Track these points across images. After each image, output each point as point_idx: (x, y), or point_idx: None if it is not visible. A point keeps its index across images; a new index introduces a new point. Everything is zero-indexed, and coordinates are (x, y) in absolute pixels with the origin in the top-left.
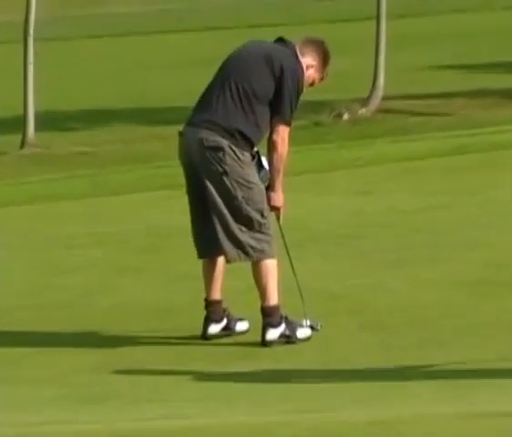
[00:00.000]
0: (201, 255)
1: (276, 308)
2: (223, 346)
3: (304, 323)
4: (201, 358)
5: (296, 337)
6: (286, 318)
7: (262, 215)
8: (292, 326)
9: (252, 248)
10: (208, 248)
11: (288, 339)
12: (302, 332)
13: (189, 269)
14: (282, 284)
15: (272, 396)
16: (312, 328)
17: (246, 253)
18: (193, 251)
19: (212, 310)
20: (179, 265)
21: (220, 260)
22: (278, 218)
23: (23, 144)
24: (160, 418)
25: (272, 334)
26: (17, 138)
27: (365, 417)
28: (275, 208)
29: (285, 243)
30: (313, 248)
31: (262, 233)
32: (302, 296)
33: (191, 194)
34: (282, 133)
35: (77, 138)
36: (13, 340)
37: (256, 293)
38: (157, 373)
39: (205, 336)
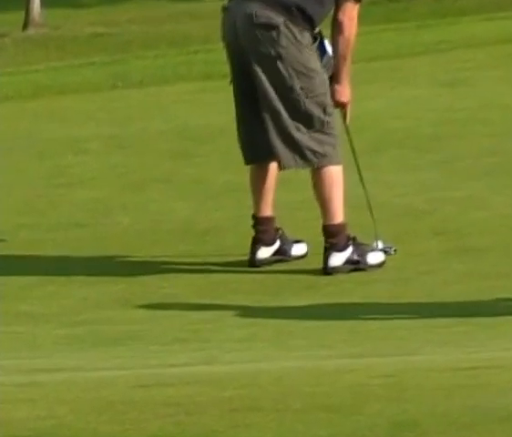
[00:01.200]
0: (249, 160)
1: (342, 227)
2: (275, 274)
3: (376, 246)
4: (248, 289)
5: (366, 263)
6: (354, 239)
7: (325, 111)
8: (362, 249)
9: (313, 151)
10: (257, 151)
11: (356, 265)
12: (374, 257)
13: (233, 180)
14: (349, 198)
15: (336, 336)
16: (385, 252)
17: (305, 158)
18: (238, 156)
19: (262, 230)
20: (219, 174)
21: (273, 168)
22: (344, 116)
23: (26, 23)
24: (196, 363)
25: (337, 259)
26: (19, 17)
27: (451, 362)
28: (341, 104)
29: (353, 147)
30: (388, 154)
31: (325, 133)
32: (372, 213)
33: (237, 85)
34: (350, 11)
35: (93, 17)
36: (14, 267)
37: (317, 209)
38: (192, 308)
39: (253, 262)
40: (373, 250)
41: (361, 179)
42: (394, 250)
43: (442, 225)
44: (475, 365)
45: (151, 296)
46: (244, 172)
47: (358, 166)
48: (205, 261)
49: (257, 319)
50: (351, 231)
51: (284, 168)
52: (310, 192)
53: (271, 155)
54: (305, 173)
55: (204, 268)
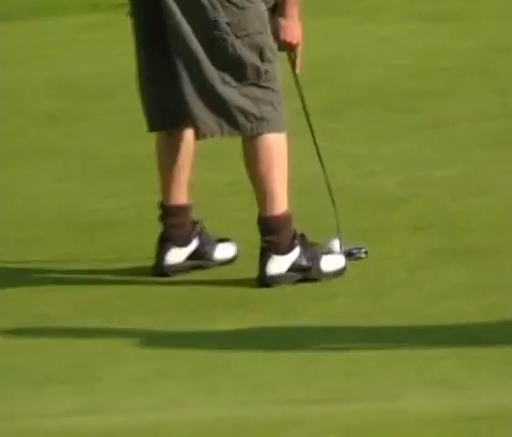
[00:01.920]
0: (155, 126)
1: (285, 219)
2: (192, 286)
3: (336, 247)
4: (153, 307)
5: (319, 270)
6: (302, 237)
7: (263, 56)
8: (313, 252)
9: (245, 112)
10: (166, 113)
11: (305, 273)
12: (331, 262)
13: (132, 153)
14: (297, 180)
15: (277, 373)
16: (348, 255)
17: (233, 122)
18: (140, 120)
19: (174, 224)
20: (113, 145)
21: (189, 136)
22: (292, 63)
23: None
24: (80, 412)
25: (278, 265)
26: None
27: (442, 411)
28: (287, 46)
29: (305, 107)
30: (353, 116)
31: (263, 88)
32: (332, 199)
33: (139, 20)
34: None
35: None
36: None
37: (250, 194)
38: (75, 335)
39: (161, 269)
40: (329, 253)
41: (317, 152)
42: (365, 252)
43: (427, 216)
44: (475, 415)
45: (17, 317)
46: (149, 142)
47: (312, 132)
48: (94, 268)
49: (166, 349)
50: (298, 226)
51: (204, 137)
52: (241, 171)
53: (185, 118)
54: (235, 143)
55: (93, 277)
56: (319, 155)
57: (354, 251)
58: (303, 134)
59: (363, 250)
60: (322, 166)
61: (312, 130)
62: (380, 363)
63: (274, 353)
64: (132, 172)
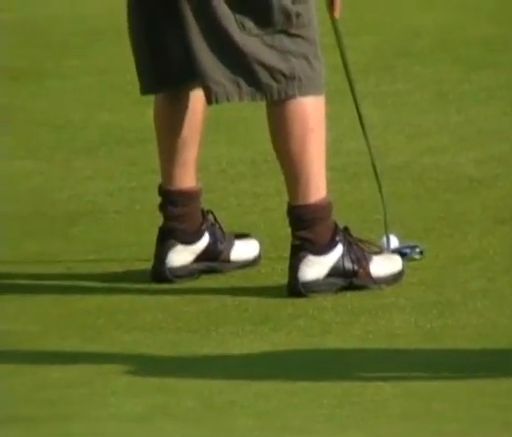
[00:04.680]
0: (152, 87)
1: (323, 208)
2: (202, 296)
3: (387, 245)
4: (150, 324)
5: (368, 275)
6: (346, 232)
7: None
8: (361, 251)
9: (270, 70)
10: (167, 70)
11: (350, 279)
12: (384, 265)
13: (120, 123)
14: (339, 158)
15: (315, 409)
16: (402, 255)
17: (255, 83)
18: (133, 79)
19: (177, 215)
20: (93, 113)
21: (197, 102)
22: (331, 3)
23: None
24: None
25: (315, 269)
26: None
27: None
28: None
29: (345, 62)
30: (414, 74)
31: (293, 36)
32: (379, 182)
33: None
34: None
35: None
36: None
37: (278, 176)
38: (47, 359)
39: (161, 273)
40: (381, 253)
41: (359, 120)
42: (421, 252)
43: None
44: None
45: None
46: (145, 109)
47: (354, 95)
48: (72, 272)
49: (168, 378)
50: (341, 218)
51: (217, 102)
52: (266, 146)
53: (192, 76)
54: (257, 110)
55: (70, 284)
56: (361, 123)
57: (407, 251)
58: (346, 97)
59: (418, 250)
60: (366, 137)
61: (353, 93)
62: (451, 399)
63: (309, 384)
64: (122, 147)
